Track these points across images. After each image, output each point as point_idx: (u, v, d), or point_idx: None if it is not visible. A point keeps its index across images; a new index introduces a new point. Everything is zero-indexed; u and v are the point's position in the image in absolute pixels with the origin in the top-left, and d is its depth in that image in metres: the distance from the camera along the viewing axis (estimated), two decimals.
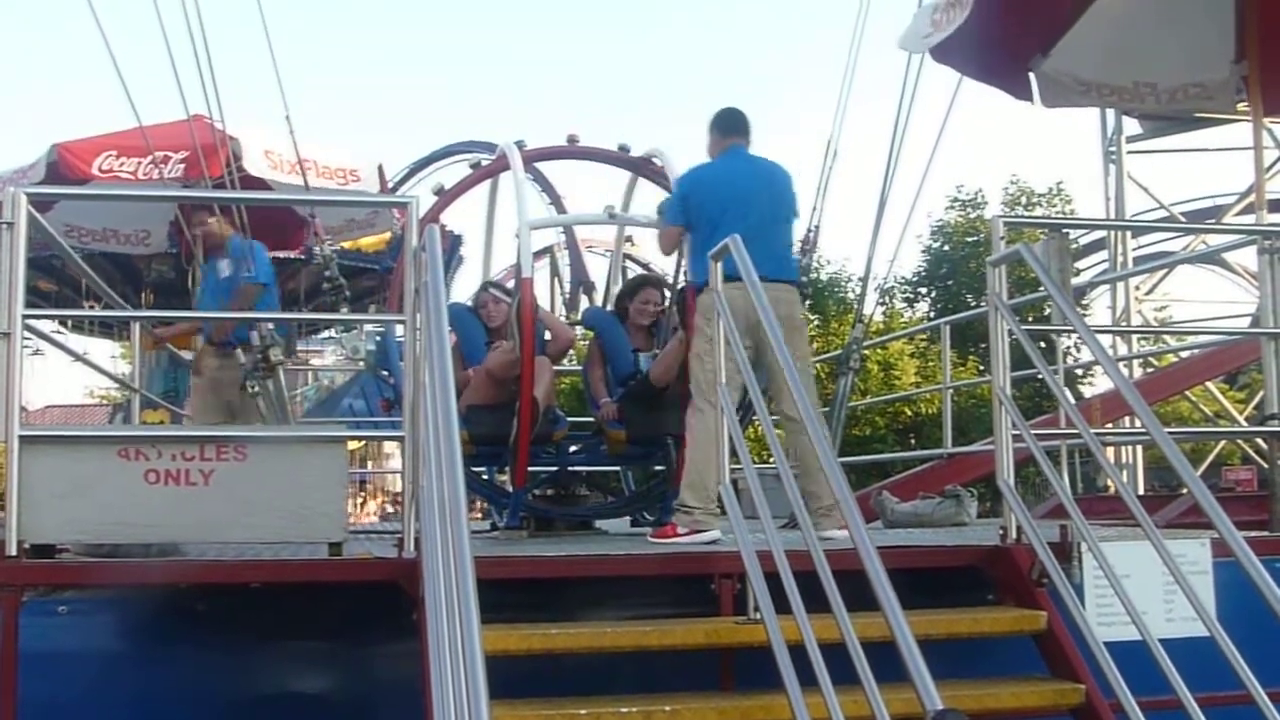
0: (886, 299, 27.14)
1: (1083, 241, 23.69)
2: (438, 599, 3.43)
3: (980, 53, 7.85)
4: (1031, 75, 8.42)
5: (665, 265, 9.81)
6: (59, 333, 16.52)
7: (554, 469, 7.81)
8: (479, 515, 10.02)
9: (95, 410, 37.06)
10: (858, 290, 12.49)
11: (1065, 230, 5.97)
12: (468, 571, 3.17)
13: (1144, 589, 4.83)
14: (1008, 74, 8.41)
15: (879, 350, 22.23)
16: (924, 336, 22.77)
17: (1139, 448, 17.13)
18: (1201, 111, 10.34)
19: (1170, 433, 4.52)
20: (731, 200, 6.31)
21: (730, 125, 6.62)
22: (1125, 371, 15.53)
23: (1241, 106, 8.71)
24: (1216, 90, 8.52)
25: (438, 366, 4.07)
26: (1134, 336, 16.96)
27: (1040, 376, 5.37)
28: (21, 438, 4.50)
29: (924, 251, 28.48)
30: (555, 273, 19.66)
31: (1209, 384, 18.90)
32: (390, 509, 22.81)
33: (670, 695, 4.42)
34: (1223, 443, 21.23)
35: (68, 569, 4.78)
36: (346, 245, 14.22)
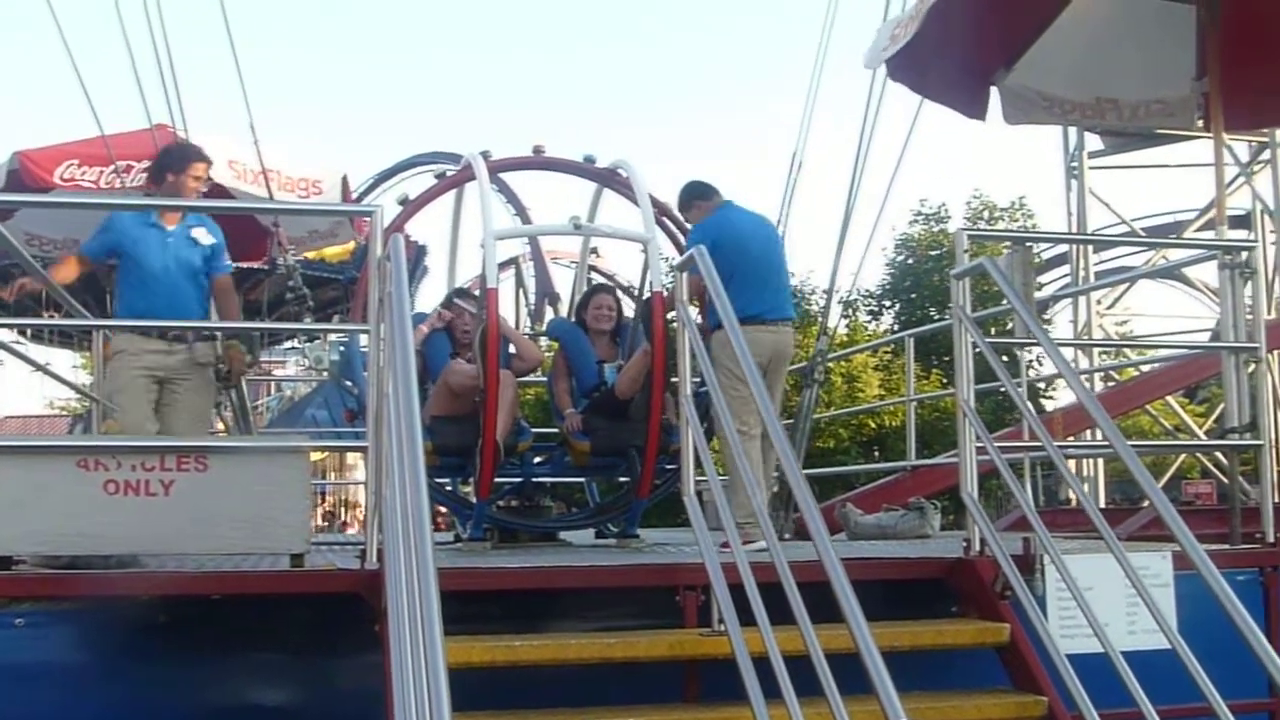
0: (850, 312, 27.23)
1: (1045, 256, 23.84)
2: (400, 611, 3.41)
3: (936, 69, 7.91)
4: (994, 90, 8.48)
5: (632, 276, 9.81)
6: (19, 343, 16.38)
7: (518, 480, 7.78)
8: (443, 527, 9.97)
9: (56, 421, 36.71)
10: (822, 303, 12.54)
11: (1029, 244, 6.01)
12: (430, 583, 3.15)
13: (1106, 601, 4.85)
14: (964, 90, 8.47)
15: (843, 363, 22.28)
16: (888, 350, 22.83)
17: (1100, 461, 17.22)
18: (1163, 128, 10.43)
19: (1132, 445, 4.55)
20: (745, 249, 6.97)
21: (710, 190, 7.31)
22: (1087, 385, 15.65)
23: (1202, 124, 8.80)
24: (1178, 107, 8.61)
25: (401, 377, 4.05)
26: (1095, 350, 17.08)
27: (1003, 389, 5.41)
28: None
29: (888, 265, 28.62)
30: (520, 284, 19.60)
31: (1169, 398, 19.04)
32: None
33: (634, 708, 4.42)
34: (1183, 456, 21.38)
35: (23, 581, 4.70)
36: (310, 256, 14.18)
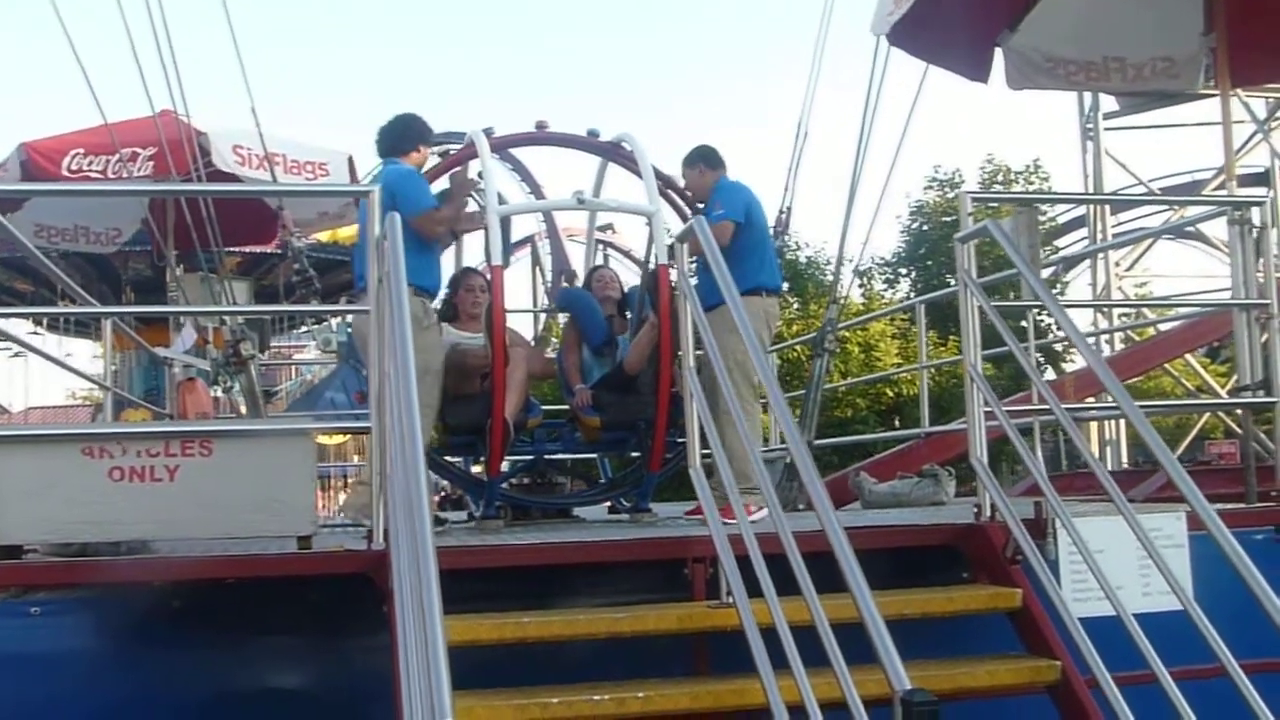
0: (865, 280, 27.15)
1: (1062, 220, 23.72)
2: (404, 590, 3.41)
3: (939, 33, 7.83)
4: (999, 53, 8.39)
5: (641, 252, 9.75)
6: (36, 334, 16.49)
7: (530, 458, 7.77)
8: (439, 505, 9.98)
9: (78, 411, 36.96)
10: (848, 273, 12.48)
11: (1034, 206, 5.95)
12: (429, 561, 3.14)
13: (1120, 564, 4.81)
14: (967, 54, 8.40)
15: (859, 332, 22.21)
16: (904, 317, 22.75)
17: (1122, 423, 17.15)
18: (1167, 89, 10.32)
19: (1141, 406, 4.51)
20: (761, 216, 7.12)
21: (716, 159, 7.24)
22: (1105, 347, 15.57)
23: (1213, 83, 8.71)
24: (1184, 65, 8.52)
25: (399, 356, 4.03)
26: (1114, 311, 16.98)
27: (1029, 352, 5.36)
28: None
29: (902, 232, 28.53)
30: (537, 261, 19.53)
31: (1190, 358, 18.93)
32: None
33: (644, 682, 4.41)
34: (1206, 417, 21.29)
35: (34, 569, 4.72)
36: (324, 238, 14.20)
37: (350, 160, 10.56)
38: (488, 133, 7.15)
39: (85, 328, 15.80)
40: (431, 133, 6.90)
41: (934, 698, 3.04)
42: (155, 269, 11.94)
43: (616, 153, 7.50)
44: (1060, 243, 23.74)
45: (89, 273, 14.06)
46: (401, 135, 6.77)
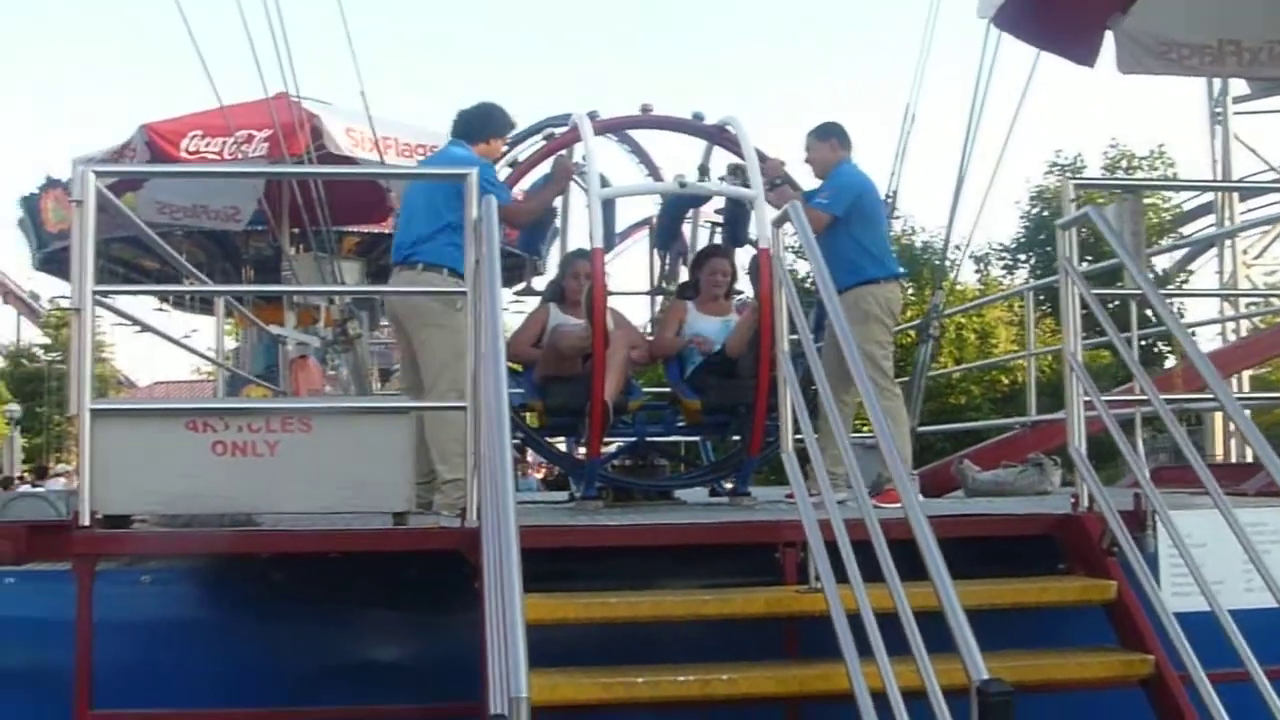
0: (983, 266, 26.75)
1: (1188, 206, 23.14)
2: (489, 567, 3.47)
3: (1046, 15, 7.67)
4: (1109, 36, 8.19)
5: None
6: (162, 309, 16.94)
7: (632, 440, 7.81)
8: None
9: (203, 386, 37.90)
10: (951, 258, 12.30)
11: (1139, 192, 5.82)
12: (511, 539, 3.21)
13: (1222, 558, 4.71)
14: (1075, 38, 8.20)
15: (975, 318, 21.90)
16: (1022, 304, 22.38)
17: (1245, 414, 16.69)
18: None
19: (1243, 398, 4.40)
20: (879, 206, 7.14)
21: (849, 140, 7.13)
22: (1231, 336, 15.14)
23: None
24: None
25: (490, 337, 4.09)
26: (1241, 301, 16.49)
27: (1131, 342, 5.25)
28: (93, 411, 4.60)
29: (1022, 218, 28.04)
30: (654, 244, 19.52)
31: None
32: None
33: (730, 664, 4.42)
34: None
35: (142, 539, 4.88)
36: None
37: None
38: (591, 116, 7.18)
39: (210, 305, 16.23)
40: (510, 127, 6.87)
41: (1009, 688, 3.02)
42: (274, 248, 12.22)
43: (721, 136, 7.48)
44: (1188, 230, 23.18)
45: (213, 251, 14.42)
46: (479, 122, 6.73)
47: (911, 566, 3.63)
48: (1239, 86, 18.68)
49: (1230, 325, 15.01)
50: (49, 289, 45.60)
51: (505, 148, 6.89)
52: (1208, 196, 21.24)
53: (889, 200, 7.98)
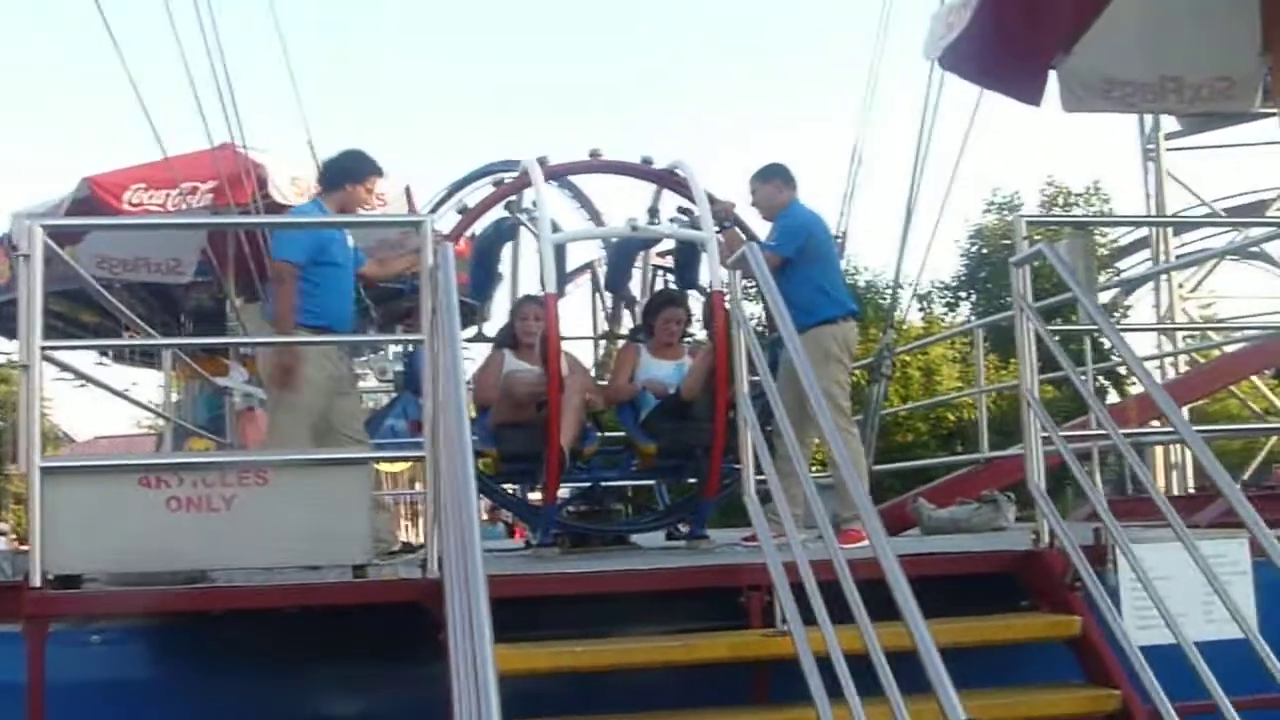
0: (925, 304, 26.98)
1: (1124, 241, 23.46)
2: (455, 619, 3.41)
3: (991, 55, 7.77)
4: (1053, 76, 8.32)
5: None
6: (102, 364, 16.67)
7: (586, 485, 7.76)
8: (519, 535, 9.96)
9: (144, 440, 37.33)
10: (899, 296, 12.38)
11: (1090, 229, 5.89)
12: (480, 590, 3.15)
13: (1183, 590, 4.72)
14: (1020, 77, 8.31)
15: (920, 356, 22.06)
16: (965, 341, 22.60)
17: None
18: (1225, 110, 10.15)
19: (1200, 431, 4.44)
20: (830, 243, 7.21)
21: (793, 179, 7.18)
22: (1170, 370, 15.35)
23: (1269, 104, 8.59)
24: (1242, 85, 8.40)
25: (450, 385, 4.05)
26: (1179, 335, 16.70)
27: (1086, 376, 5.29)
28: (43, 469, 4.50)
29: (962, 255, 28.36)
30: (597, 288, 19.55)
31: (1258, 381, 18.62)
32: None
33: (700, 710, 4.39)
34: (1274, 440, 20.93)
35: (93, 599, 4.76)
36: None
37: (407, 189, 10.64)
38: (541, 161, 7.18)
39: (150, 358, 16.00)
40: (371, 172, 6.77)
41: None
42: (216, 300, 12.09)
43: (670, 180, 7.50)
44: (1123, 265, 23.49)
45: (152, 304, 14.25)
46: (337, 171, 6.73)
47: (877, 606, 3.61)
48: (1170, 123, 19.00)
49: (1170, 359, 15.24)
50: None
51: (367, 193, 6.80)
52: (1143, 231, 21.54)
53: (839, 240, 8.02)
